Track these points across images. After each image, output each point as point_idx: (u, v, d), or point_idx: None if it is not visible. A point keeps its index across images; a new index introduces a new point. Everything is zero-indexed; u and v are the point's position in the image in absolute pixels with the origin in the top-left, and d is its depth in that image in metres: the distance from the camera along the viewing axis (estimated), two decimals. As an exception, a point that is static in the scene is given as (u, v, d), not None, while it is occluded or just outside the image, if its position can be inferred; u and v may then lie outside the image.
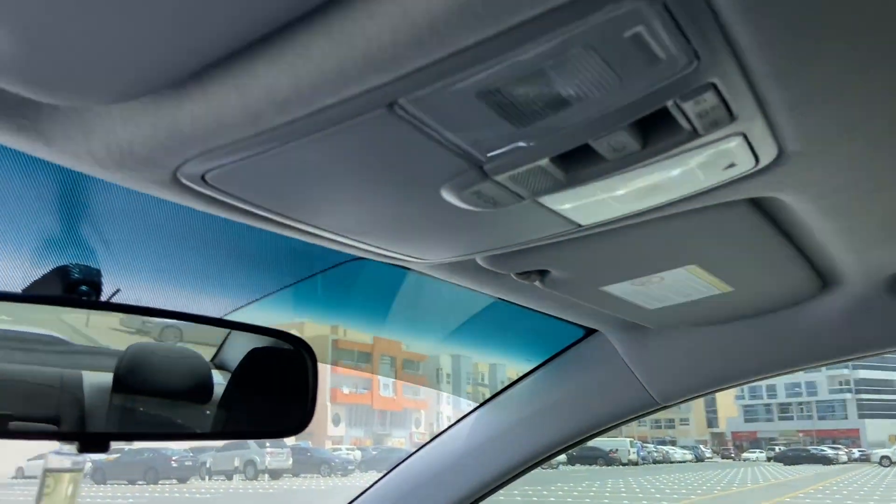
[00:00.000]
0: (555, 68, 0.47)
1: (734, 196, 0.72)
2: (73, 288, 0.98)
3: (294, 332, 1.09)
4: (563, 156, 0.59)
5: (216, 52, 0.46)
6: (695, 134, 0.56)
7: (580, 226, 0.76)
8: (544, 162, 0.58)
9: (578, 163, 0.61)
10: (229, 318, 1.38)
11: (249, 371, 1.10)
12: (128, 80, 0.48)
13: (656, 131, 0.57)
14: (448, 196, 0.64)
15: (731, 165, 0.63)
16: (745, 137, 0.58)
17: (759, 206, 0.81)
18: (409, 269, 0.97)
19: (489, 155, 0.58)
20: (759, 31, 0.45)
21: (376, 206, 0.68)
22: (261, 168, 0.59)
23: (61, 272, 0.99)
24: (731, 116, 0.54)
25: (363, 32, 0.43)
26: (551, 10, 0.41)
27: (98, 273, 1.02)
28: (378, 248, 0.82)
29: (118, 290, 1.03)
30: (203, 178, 0.60)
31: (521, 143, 0.56)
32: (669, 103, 0.51)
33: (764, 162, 0.63)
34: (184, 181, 0.61)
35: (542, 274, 1.02)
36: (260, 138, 0.54)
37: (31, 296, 0.97)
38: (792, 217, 0.82)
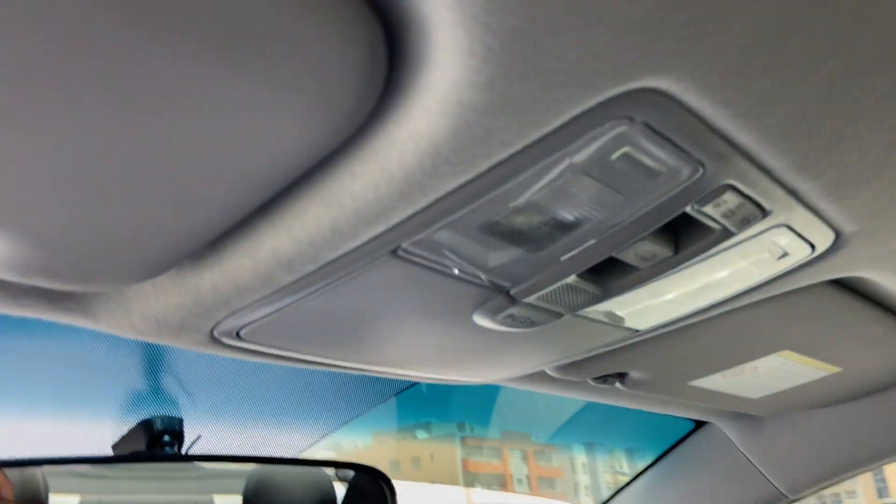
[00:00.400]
0: (549, 196, 0.44)
1: (804, 282, 0.65)
2: (157, 439, 1.01)
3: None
4: (592, 269, 0.55)
5: (224, 223, 0.47)
6: (728, 233, 0.51)
7: (638, 331, 0.71)
8: (572, 279, 0.55)
9: (610, 274, 0.57)
10: (330, 439, 1.38)
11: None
12: (149, 262, 0.50)
13: (687, 234, 0.53)
14: (482, 322, 0.61)
15: (785, 255, 0.57)
16: (790, 228, 0.52)
17: (842, 284, 0.73)
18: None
19: (511, 281, 0.55)
20: (763, 132, 0.41)
21: (410, 339, 0.66)
22: (287, 320, 0.59)
23: (145, 426, 1.02)
24: (763, 211, 0.49)
25: (349, 191, 0.43)
26: (527, 146, 0.39)
27: (180, 422, 1.04)
28: (430, 374, 0.80)
29: (199, 437, 1.05)
30: (238, 334, 0.61)
31: (541, 265, 0.53)
32: (688, 209, 0.47)
33: (822, 248, 0.56)
34: (222, 339, 0.63)
35: (621, 376, 0.96)
36: (276, 295, 0.54)
37: (119, 457, 1.00)
38: (880, 289, 0.73)
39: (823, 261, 0.59)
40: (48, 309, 0.57)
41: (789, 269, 0.59)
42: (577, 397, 1.08)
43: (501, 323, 0.62)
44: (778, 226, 0.52)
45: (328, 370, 0.76)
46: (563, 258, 0.52)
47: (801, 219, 0.51)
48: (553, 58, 0.33)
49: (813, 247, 0.55)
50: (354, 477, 1.13)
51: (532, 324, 0.63)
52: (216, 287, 0.55)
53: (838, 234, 0.55)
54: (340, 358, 0.72)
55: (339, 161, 0.43)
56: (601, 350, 0.79)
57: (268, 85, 0.35)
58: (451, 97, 0.36)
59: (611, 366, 0.91)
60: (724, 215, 0.48)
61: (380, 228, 0.46)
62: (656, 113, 0.38)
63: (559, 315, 0.62)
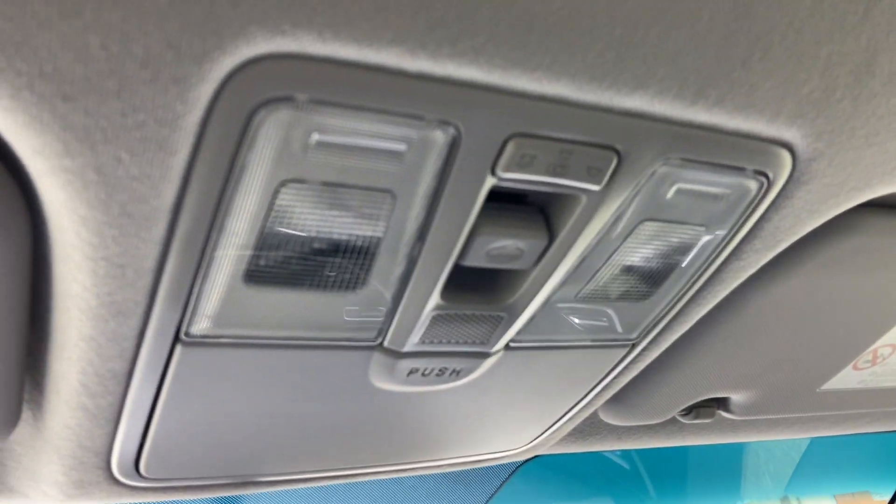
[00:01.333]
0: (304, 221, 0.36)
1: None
2: None
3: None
4: (460, 288, 0.45)
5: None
6: (597, 193, 0.40)
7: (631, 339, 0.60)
8: (437, 306, 0.45)
9: (494, 289, 0.47)
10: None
11: None
12: None
13: (556, 211, 0.43)
14: (390, 387, 0.52)
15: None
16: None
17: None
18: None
19: (369, 332, 0.46)
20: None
21: (323, 422, 0.58)
22: (163, 442, 0.53)
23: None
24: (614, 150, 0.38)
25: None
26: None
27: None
28: (458, 459, 0.71)
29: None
30: (137, 471, 0.54)
31: (373, 303, 0.44)
32: (489, 180, 0.37)
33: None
34: (123, 481, 0.55)
35: (720, 402, 0.79)
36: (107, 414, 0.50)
37: None
38: None
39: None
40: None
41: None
42: (680, 443, 0.95)
43: (410, 382, 0.52)
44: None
45: (269, 489, 0.68)
46: (394, 286, 0.43)
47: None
48: None
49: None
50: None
51: (456, 373, 0.52)
52: (63, 436, 0.50)
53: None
54: (278, 471, 0.62)
55: None
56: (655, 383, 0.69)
57: None
58: None
59: (694, 389, 0.73)
60: (554, 172, 0.38)
61: (133, 324, 0.40)
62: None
63: (481, 355, 0.51)
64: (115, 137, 0.29)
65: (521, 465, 1.17)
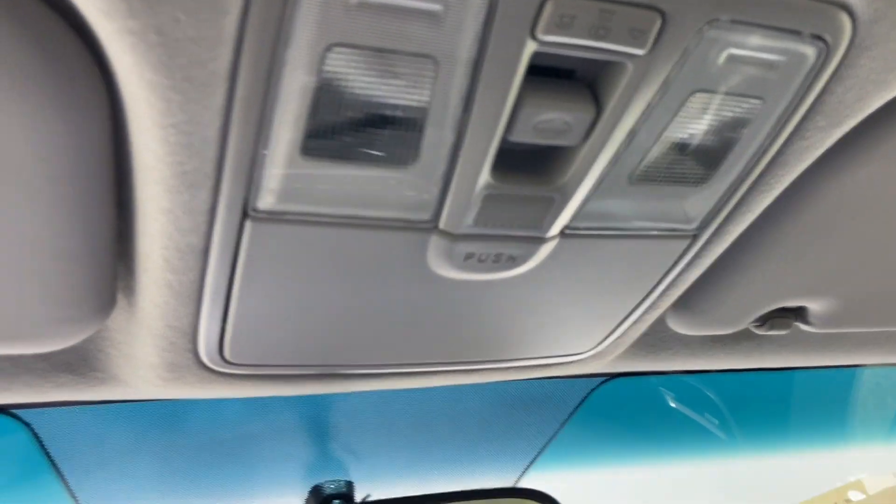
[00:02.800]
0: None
1: None
2: (328, 503, 1.03)
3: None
4: (510, 166, 0.46)
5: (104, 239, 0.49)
6: (642, 58, 0.40)
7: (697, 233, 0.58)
8: (488, 185, 0.46)
9: (539, 164, 0.47)
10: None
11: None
12: (87, 305, 0.52)
13: (602, 81, 0.42)
14: (450, 274, 0.53)
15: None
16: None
17: None
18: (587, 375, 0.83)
19: (427, 212, 0.47)
20: None
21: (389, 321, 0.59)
22: (258, 328, 0.57)
23: (316, 492, 1.05)
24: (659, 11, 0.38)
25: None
26: None
27: (349, 484, 1.06)
28: (525, 363, 0.71)
29: (368, 496, 1.06)
30: (223, 357, 0.60)
31: (427, 179, 0.45)
32: (529, 45, 0.37)
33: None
34: (211, 367, 0.61)
35: (797, 312, 0.74)
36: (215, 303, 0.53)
37: None
38: None
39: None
40: (78, 386, 0.62)
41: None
42: (744, 364, 0.91)
43: (467, 268, 0.53)
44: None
45: (347, 388, 0.70)
46: (444, 162, 0.44)
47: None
48: None
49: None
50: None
51: (511, 259, 0.53)
52: (154, 314, 0.54)
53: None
54: (353, 363, 0.64)
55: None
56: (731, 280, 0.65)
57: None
58: None
59: (766, 295, 0.68)
60: (596, 35, 0.37)
61: (204, 196, 0.43)
62: None
63: (536, 240, 0.51)
64: None
65: (596, 387, 1.17)
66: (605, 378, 1.11)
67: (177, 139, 0.38)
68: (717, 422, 1.54)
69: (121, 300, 0.56)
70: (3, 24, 0.33)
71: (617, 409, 1.33)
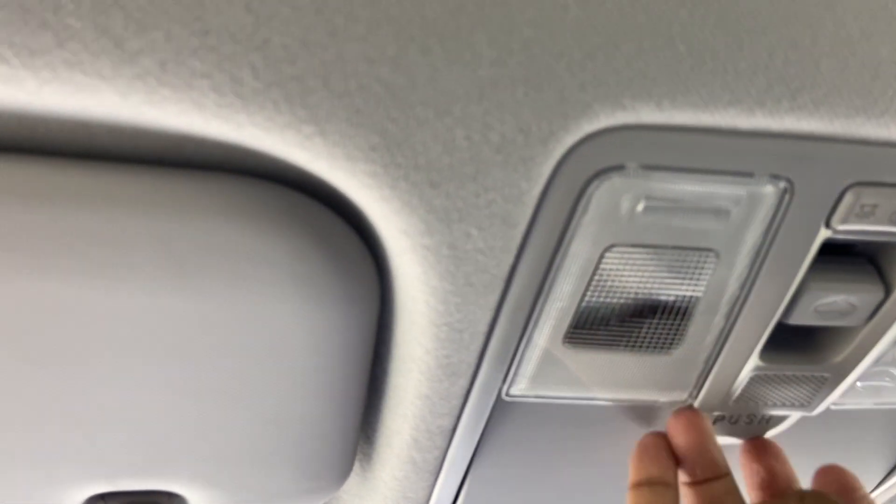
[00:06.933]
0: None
1: None
2: None
3: None
4: (780, 347, 0.43)
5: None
6: None
7: None
8: (755, 367, 0.43)
9: (812, 345, 0.44)
10: None
11: None
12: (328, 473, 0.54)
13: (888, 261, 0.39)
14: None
15: None
16: None
17: None
18: None
19: (681, 391, 0.45)
20: None
21: None
22: None
23: None
24: None
25: None
26: None
27: None
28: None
29: None
30: None
31: (688, 365, 0.43)
32: (823, 232, 0.35)
33: None
34: None
35: None
36: None
37: None
38: None
39: None
40: None
41: None
42: None
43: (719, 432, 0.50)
44: None
45: None
46: (709, 348, 0.42)
47: None
48: None
49: None
50: None
51: (767, 422, 0.50)
52: (390, 486, 0.54)
53: None
54: None
55: None
56: None
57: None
58: None
59: None
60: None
61: (463, 385, 0.43)
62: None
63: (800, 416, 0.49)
64: (467, 216, 0.32)
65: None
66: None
67: (448, 335, 0.39)
68: None
69: (356, 467, 0.57)
70: (303, 229, 0.36)
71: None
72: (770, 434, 0.51)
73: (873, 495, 0.62)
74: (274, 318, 0.37)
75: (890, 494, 0.63)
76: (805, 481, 0.59)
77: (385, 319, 0.43)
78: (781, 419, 0.50)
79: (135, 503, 0.53)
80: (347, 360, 0.43)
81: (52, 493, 0.47)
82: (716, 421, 0.49)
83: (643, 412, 0.48)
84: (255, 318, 0.37)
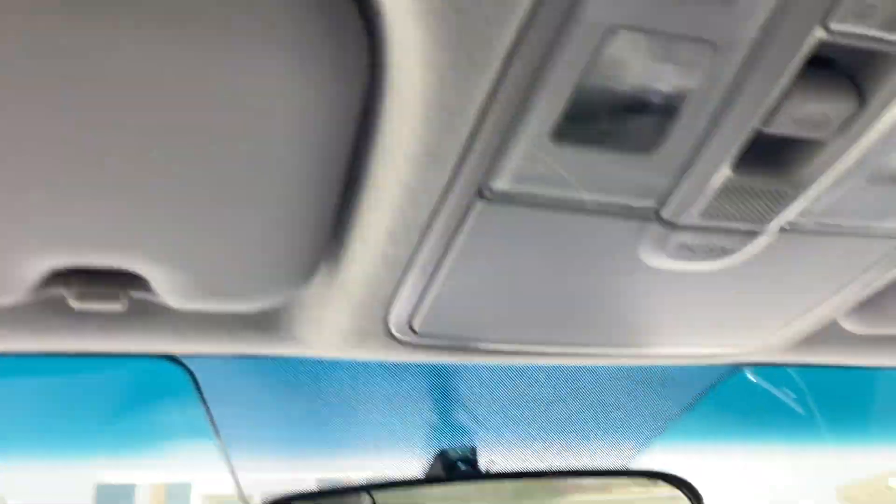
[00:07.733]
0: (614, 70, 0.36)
1: None
2: (453, 468, 1.06)
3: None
4: (752, 160, 0.43)
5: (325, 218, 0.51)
6: None
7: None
8: (726, 177, 0.44)
9: (783, 160, 0.44)
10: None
11: None
12: (291, 270, 0.55)
13: (871, 73, 0.39)
14: (653, 262, 0.52)
15: None
16: None
17: None
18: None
19: (654, 200, 0.46)
20: None
21: (602, 306, 0.59)
22: (448, 304, 0.57)
23: (443, 456, 1.07)
24: None
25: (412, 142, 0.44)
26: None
27: (473, 450, 1.08)
28: (680, 350, 0.70)
29: (492, 462, 1.08)
30: (411, 328, 0.61)
31: (671, 169, 0.43)
32: (817, 34, 0.35)
33: None
34: (398, 337, 0.63)
35: None
36: (413, 278, 0.54)
37: (428, 479, 1.08)
38: None
39: None
40: (260, 342, 0.65)
41: None
42: None
43: (677, 257, 0.51)
44: None
45: (525, 362, 0.71)
46: (688, 150, 0.42)
47: None
48: None
49: None
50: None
51: (723, 251, 0.51)
52: (358, 282, 0.55)
53: None
54: (535, 341, 0.65)
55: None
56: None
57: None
58: None
59: None
60: (890, 27, 0.34)
61: (446, 174, 0.43)
62: None
63: (751, 234, 0.50)
64: None
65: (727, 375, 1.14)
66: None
67: (439, 116, 0.38)
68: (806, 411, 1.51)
69: (322, 267, 0.57)
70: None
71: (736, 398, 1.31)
72: (728, 261, 0.53)
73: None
74: (256, 77, 0.36)
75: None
76: (760, 306, 0.62)
77: (371, 104, 0.41)
78: (739, 249, 0.52)
79: (96, 284, 0.53)
80: (328, 139, 0.42)
81: (12, 258, 0.46)
82: (679, 248, 0.50)
83: (614, 233, 0.49)
84: (235, 74, 0.35)
